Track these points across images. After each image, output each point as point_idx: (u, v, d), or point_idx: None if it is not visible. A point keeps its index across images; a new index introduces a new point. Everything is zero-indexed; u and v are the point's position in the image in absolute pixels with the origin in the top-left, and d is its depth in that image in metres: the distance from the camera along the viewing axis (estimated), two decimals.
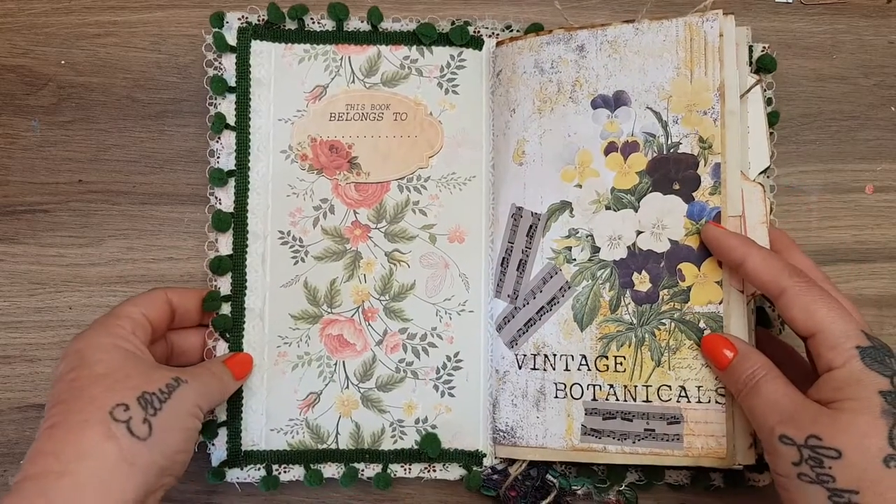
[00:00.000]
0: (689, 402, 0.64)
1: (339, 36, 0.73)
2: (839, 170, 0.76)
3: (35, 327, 0.74)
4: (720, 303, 0.64)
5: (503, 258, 0.70)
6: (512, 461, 0.70)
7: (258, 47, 0.72)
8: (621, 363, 0.66)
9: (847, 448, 0.52)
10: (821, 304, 0.56)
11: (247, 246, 0.71)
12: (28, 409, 0.73)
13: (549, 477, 0.70)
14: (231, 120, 0.72)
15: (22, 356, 0.74)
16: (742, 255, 0.60)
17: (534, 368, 0.68)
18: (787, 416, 0.55)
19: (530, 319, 0.68)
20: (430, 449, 0.70)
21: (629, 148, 0.67)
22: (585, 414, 0.66)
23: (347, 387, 0.71)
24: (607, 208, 0.67)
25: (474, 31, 0.74)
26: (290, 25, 0.73)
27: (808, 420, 0.54)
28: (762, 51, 0.73)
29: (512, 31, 0.74)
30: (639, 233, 0.66)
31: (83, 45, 0.76)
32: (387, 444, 0.70)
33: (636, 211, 0.66)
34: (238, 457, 0.69)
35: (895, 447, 0.51)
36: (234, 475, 0.69)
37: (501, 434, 0.69)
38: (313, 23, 0.73)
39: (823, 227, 0.75)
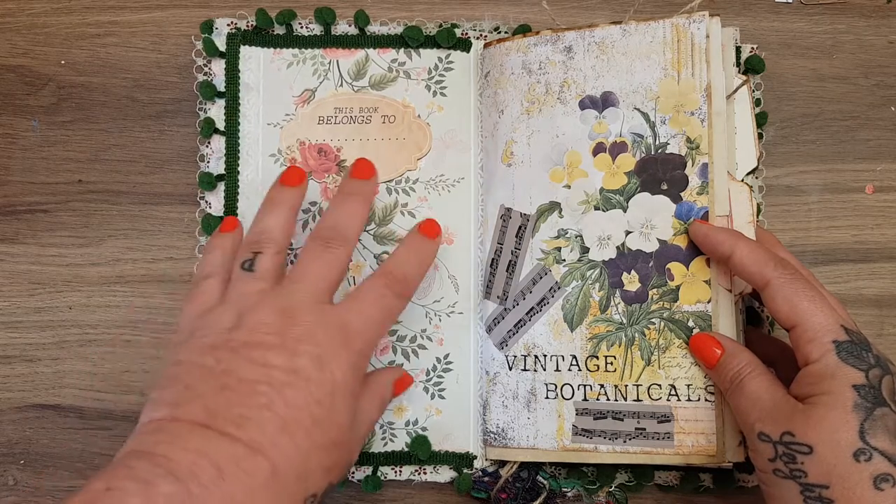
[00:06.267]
0: (678, 400, 0.67)
1: (327, 40, 0.76)
2: (839, 170, 0.78)
3: (35, 327, 0.77)
4: (708, 302, 0.67)
5: (492, 259, 0.73)
6: (503, 463, 0.73)
7: (247, 52, 0.76)
8: (612, 363, 0.69)
9: (818, 443, 0.55)
10: (803, 296, 0.59)
11: None
12: (27, 409, 0.76)
13: (539, 478, 0.73)
14: (220, 124, 0.75)
15: (22, 356, 0.76)
16: (730, 248, 0.63)
17: (524, 369, 0.71)
18: (765, 413, 0.59)
19: (520, 320, 0.71)
20: (420, 451, 0.72)
21: (617, 148, 0.70)
22: (576, 414, 0.69)
23: None
24: (596, 209, 0.70)
25: (462, 33, 0.77)
26: (279, 30, 0.76)
27: (784, 417, 0.57)
28: (750, 51, 0.76)
29: (500, 32, 0.77)
30: (628, 233, 0.69)
31: (83, 45, 0.79)
32: (377, 447, 0.73)
33: (625, 211, 0.69)
34: None
35: (866, 441, 0.54)
36: None
37: (492, 435, 0.72)
38: (301, 27, 0.77)
39: (823, 227, 0.78)
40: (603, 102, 0.71)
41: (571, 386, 0.70)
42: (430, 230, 0.67)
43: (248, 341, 0.55)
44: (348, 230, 0.63)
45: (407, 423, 0.74)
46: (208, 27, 0.77)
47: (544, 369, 0.71)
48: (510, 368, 0.72)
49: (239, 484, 0.49)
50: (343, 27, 0.77)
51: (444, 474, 0.74)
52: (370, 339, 0.60)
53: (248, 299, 0.58)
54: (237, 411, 0.52)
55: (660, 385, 0.68)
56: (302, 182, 0.66)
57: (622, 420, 0.69)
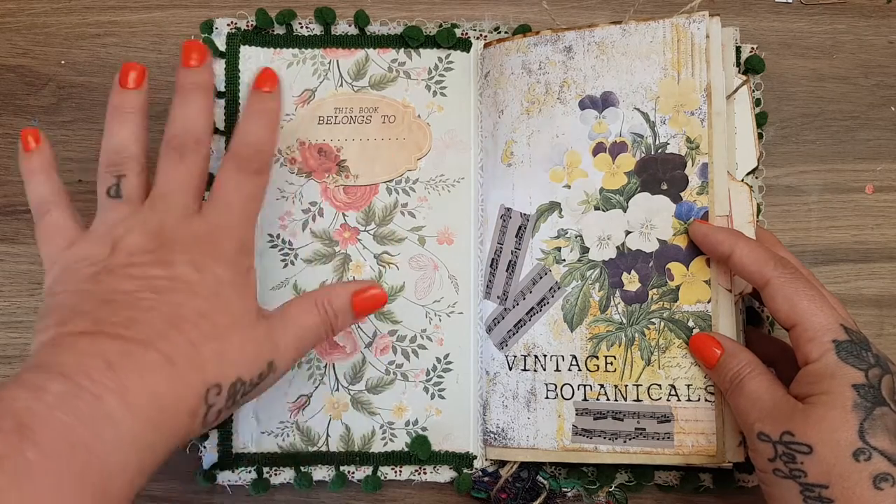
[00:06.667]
0: (678, 400, 0.67)
1: (327, 40, 0.77)
2: (839, 170, 0.79)
3: None
4: (708, 302, 0.67)
5: (492, 259, 0.73)
6: (503, 463, 0.73)
7: (247, 52, 0.76)
8: (611, 363, 0.69)
9: (818, 443, 0.55)
10: (803, 295, 0.60)
11: None
12: None
13: (539, 478, 0.73)
14: (220, 124, 0.76)
15: (22, 356, 0.76)
16: (730, 248, 0.63)
17: (524, 369, 0.71)
18: (765, 413, 0.59)
19: (520, 320, 0.72)
20: (420, 451, 0.73)
21: (617, 148, 0.70)
22: (576, 414, 0.69)
23: (338, 389, 0.74)
24: (596, 209, 0.70)
25: (462, 33, 0.77)
26: (279, 30, 0.77)
27: (784, 416, 0.58)
28: (751, 51, 0.77)
29: (500, 32, 0.77)
30: (628, 233, 0.69)
31: (83, 45, 0.80)
32: (377, 447, 0.74)
33: (625, 211, 0.69)
34: (229, 459, 0.73)
35: (865, 441, 0.54)
36: (225, 478, 0.73)
37: (492, 435, 0.72)
38: (301, 27, 0.77)
39: (823, 227, 0.78)
40: (603, 102, 0.71)
41: (571, 386, 0.70)
42: (265, 82, 0.64)
43: (125, 262, 0.56)
44: (198, 130, 0.62)
45: (407, 423, 0.74)
46: (208, 27, 0.77)
47: (544, 369, 0.71)
48: (510, 368, 0.72)
49: (131, 373, 0.50)
50: (343, 27, 0.78)
51: (444, 474, 0.74)
52: (243, 229, 0.60)
53: (119, 227, 0.58)
54: (124, 314, 0.52)
55: (660, 385, 0.68)
56: (143, 80, 0.64)
57: (622, 420, 0.69)
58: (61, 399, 0.47)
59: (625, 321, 0.69)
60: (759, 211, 0.75)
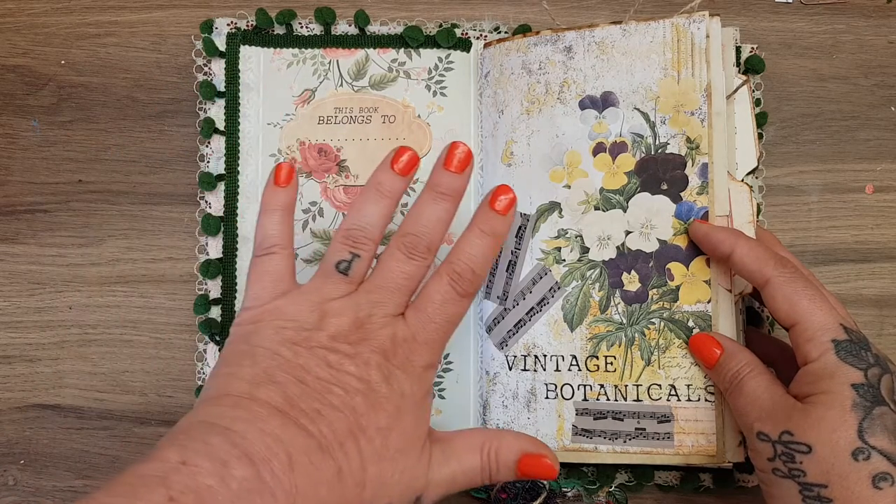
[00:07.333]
0: (679, 400, 0.67)
1: (327, 40, 0.77)
2: (839, 170, 0.79)
3: (35, 327, 0.77)
4: (708, 302, 0.67)
5: None
6: None
7: (247, 52, 0.76)
8: (612, 363, 0.69)
9: (817, 443, 0.55)
10: (803, 294, 0.60)
11: (237, 249, 0.75)
12: (27, 409, 0.76)
13: None
14: (220, 124, 0.76)
15: (22, 356, 0.77)
16: (730, 247, 0.63)
17: (524, 369, 0.71)
18: (765, 413, 0.59)
19: (520, 320, 0.72)
20: None
21: (617, 148, 0.70)
22: (576, 414, 0.69)
23: None
24: (596, 209, 0.70)
25: (462, 33, 0.77)
26: (279, 30, 0.77)
27: (783, 416, 0.57)
28: (750, 51, 0.77)
29: (500, 32, 0.78)
30: (628, 233, 0.69)
31: (83, 45, 0.80)
32: None
33: (625, 211, 0.69)
34: None
35: (864, 440, 0.54)
36: None
37: None
38: (301, 27, 0.77)
39: (823, 227, 0.78)
40: (603, 102, 0.71)
41: (571, 386, 0.70)
42: (502, 204, 0.62)
43: (326, 346, 0.55)
44: (433, 238, 0.60)
45: None
46: (208, 27, 0.77)
47: (544, 369, 0.71)
48: (510, 368, 0.72)
49: (306, 477, 0.50)
50: (343, 27, 0.78)
51: None
52: (436, 348, 0.59)
53: (333, 304, 0.58)
54: (313, 405, 0.53)
55: (660, 385, 0.68)
56: (412, 171, 0.62)
57: (622, 420, 0.69)
58: (243, 488, 0.47)
59: (625, 321, 0.69)
60: (759, 211, 0.75)
